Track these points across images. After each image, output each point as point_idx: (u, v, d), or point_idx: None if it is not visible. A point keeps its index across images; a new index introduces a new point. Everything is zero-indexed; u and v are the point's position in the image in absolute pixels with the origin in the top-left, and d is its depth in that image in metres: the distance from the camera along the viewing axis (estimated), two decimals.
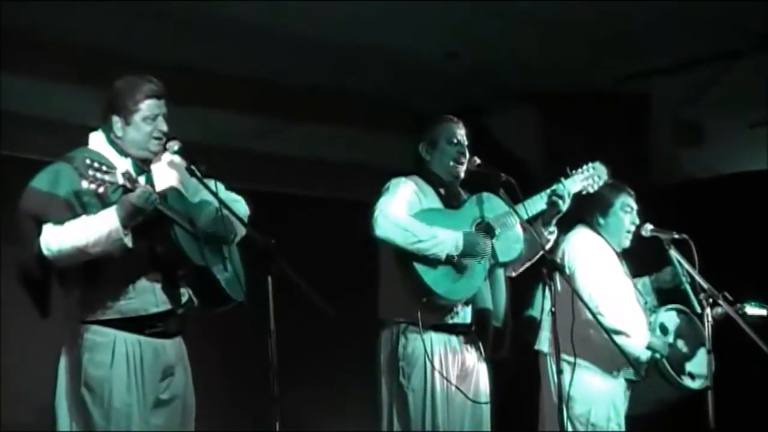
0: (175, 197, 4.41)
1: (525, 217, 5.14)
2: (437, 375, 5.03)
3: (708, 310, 5.49)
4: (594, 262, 5.62)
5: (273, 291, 4.15)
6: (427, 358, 5.01)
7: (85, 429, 4.30)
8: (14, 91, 6.58)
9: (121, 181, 4.08)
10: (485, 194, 5.22)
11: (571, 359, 5.19)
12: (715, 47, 7.42)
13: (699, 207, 7.75)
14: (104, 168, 4.03)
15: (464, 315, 5.15)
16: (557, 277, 5.01)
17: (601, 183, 5.44)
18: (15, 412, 6.42)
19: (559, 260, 5.49)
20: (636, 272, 5.87)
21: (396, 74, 7.72)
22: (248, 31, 6.89)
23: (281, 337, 4.16)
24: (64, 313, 4.36)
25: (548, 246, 5.24)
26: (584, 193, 5.39)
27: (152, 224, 4.26)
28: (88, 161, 4.01)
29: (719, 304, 5.54)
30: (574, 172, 5.37)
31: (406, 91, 8.06)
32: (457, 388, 5.09)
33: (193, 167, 4.43)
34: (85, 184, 4.00)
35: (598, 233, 5.74)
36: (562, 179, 5.31)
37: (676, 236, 5.70)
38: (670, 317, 5.79)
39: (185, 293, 4.48)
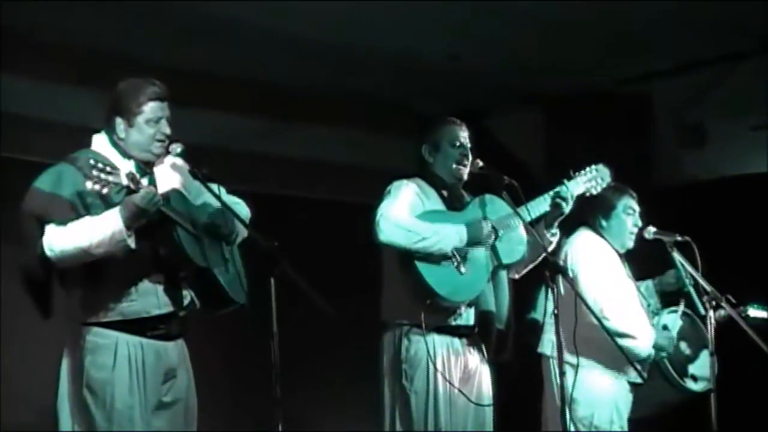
0: (178, 199, 4.41)
1: (528, 219, 5.14)
2: (440, 377, 5.03)
3: (711, 313, 5.51)
4: (597, 264, 5.62)
5: (275, 293, 4.14)
6: (429, 361, 5.01)
7: (87, 430, 4.29)
8: (14, 92, 6.55)
9: (125, 182, 4.08)
10: (488, 196, 5.23)
11: (574, 362, 5.19)
12: (718, 49, 7.42)
13: (701, 209, 7.74)
14: (108, 169, 4.03)
15: (467, 317, 5.15)
16: (560, 279, 5.01)
17: (604, 185, 5.45)
18: (16, 413, 6.41)
19: (561, 263, 5.49)
20: (639, 275, 5.87)
21: (397, 76, 7.71)
22: (248, 32, 6.88)
23: (283, 339, 4.16)
24: (65, 314, 4.35)
25: (551, 248, 5.24)
26: (587, 195, 5.40)
27: (155, 226, 4.25)
28: (92, 162, 4.01)
29: (722, 307, 5.56)
30: (577, 174, 5.37)
31: (408, 92, 8.06)
32: (460, 390, 5.09)
33: (195, 170, 4.43)
34: (89, 184, 3.99)
35: (601, 235, 5.74)
36: (565, 181, 5.31)
37: (679, 238, 5.71)
38: (672, 319, 5.78)
39: (187, 295, 4.47)
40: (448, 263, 5.01)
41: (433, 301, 4.97)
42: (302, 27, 6.87)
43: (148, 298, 4.35)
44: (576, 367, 5.22)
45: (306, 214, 8.01)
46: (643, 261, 5.90)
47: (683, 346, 5.77)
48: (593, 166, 5.43)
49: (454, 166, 5.22)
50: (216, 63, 7.27)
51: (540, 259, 5.16)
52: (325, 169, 8.42)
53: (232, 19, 6.66)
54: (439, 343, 5.06)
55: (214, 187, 4.48)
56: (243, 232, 4.60)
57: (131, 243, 4.16)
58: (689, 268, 5.64)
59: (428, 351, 5.00)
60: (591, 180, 5.39)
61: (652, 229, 5.77)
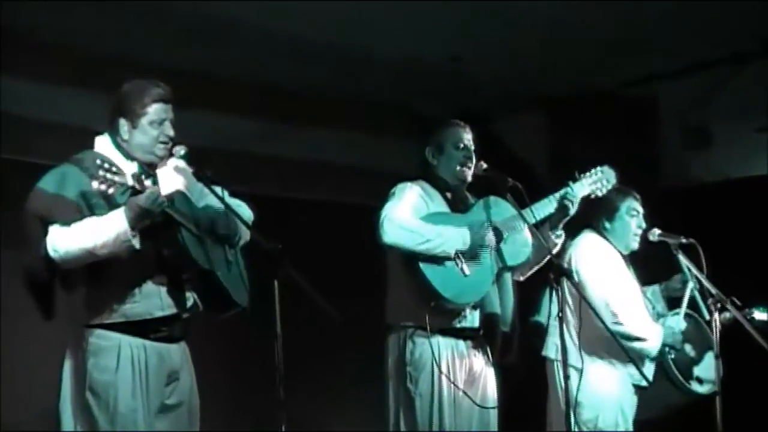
0: (182, 201, 4.40)
1: (532, 221, 5.14)
2: (444, 380, 5.02)
3: (716, 315, 5.51)
4: (603, 268, 5.62)
5: (278, 295, 4.12)
6: (434, 363, 5.00)
7: None
8: (14, 93, 6.54)
9: (130, 182, 4.07)
10: (492, 198, 5.22)
11: (579, 365, 5.19)
12: (723, 51, 7.41)
13: (706, 211, 7.76)
14: (114, 169, 4.02)
15: (472, 319, 5.14)
16: (564, 282, 4.99)
17: (609, 186, 5.45)
18: (18, 414, 6.41)
19: (566, 265, 5.48)
20: (644, 277, 5.87)
21: (398, 77, 7.70)
22: (248, 33, 6.87)
23: (285, 341, 4.14)
24: (68, 316, 4.33)
25: (555, 250, 5.24)
26: (593, 196, 5.39)
27: (159, 227, 4.24)
28: (98, 161, 4.00)
29: (727, 309, 5.56)
30: (582, 175, 5.37)
31: (408, 94, 8.05)
32: (465, 393, 5.08)
33: (199, 172, 4.43)
34: (95, 184, 3.98)
35: (605, 238, 5.73)
36: (571, 183, 5.32)
37: (684, 241, 5.71)
38: (676, 321, 5.76)
39: (190, 297, 4.46)
40: (452, 265, 5.00)
41: (437, 303, 4.97)
42: (302, 28, 6.86)
43: (152, 299, 4.33)
44: (581, 371, 5.21)
45: (306, 216, 8.02)
46: (647, 263, 5.89)
47: (688, 348, 5.77)
48: (598, 168, 5.43)
49: (457, 168, 5.21)
50: (216, 64, 7.25)
51: (544, 261, 5.16)
52: (326, 171, 8.42)
53: (232, 20, 6.65)
54: (444, 345, 5.06)
55: (218, 189, 4.46)
56: (246, 235, 4.59)
57: (136, 244, 4.14)
58: (694, 271, 5.64)
59: (433, 353, 5.00)
60: (596, 182, 5.39)
61: (656, 231, 5.77)
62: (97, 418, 4.26)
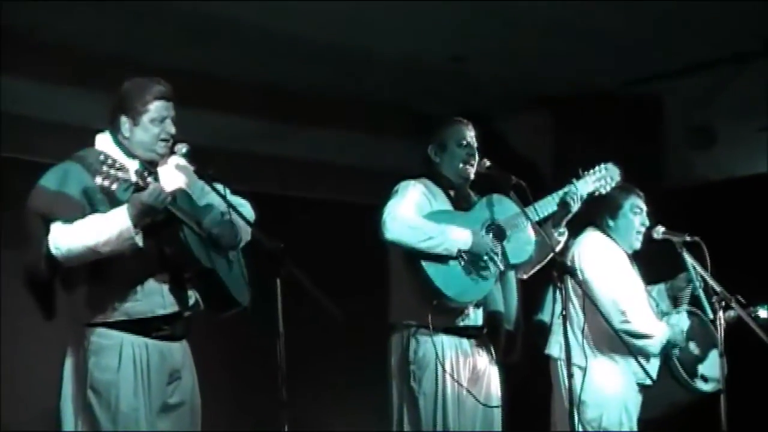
0: (184, 199, 4.38)
1: (536, 219, 5.13)
2: (448, 379, 5.00)
3: (720, 314, 5.49)
4: (607, 266, 5.60)
5: (281, 294, 4.11)
6: (438, 362, 4.99)
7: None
8: (14, 92, 6.54)
9: (134, 178, 4.06)
10: (495, 196, 5.21)
11: (583, 363, 5.17)
12: (726, 50, 7.42)
13: (711, 210, 7.74)
14: (118, 165, 4.02)
15: (475, 317, 5.12)
16: (568, 280, 4.98)
17: (613, 184, 5.43)
18: (18, 414, 6.41)
19: (569, 263, 5.46)
20: (648, 276, 5.85)
21: (400, 78, 7.70)
22: (248, 32, 6.88)
23: (287, 340, 4.13)
24: (68, 315, 4.31)
25: (558, 248, 5.22)
26: (596, 194, 5.37)
27: (161, 225, 4.23)
28: (102, 157, 3.99)
29: (732, 308, 5.55)
30: (586, 173, 5.35)
31: (410, 94, 8.04)
32: (468, 391, 5.06)
33: (201, 170, 4.42)
34: (98, 179, 3.98)
35: (609, 236, 5.72)
36: (574, 180, 5.30)
37: (688, 239, 5.70)
38: (680, 319, 5.74)
39: (192, 296, 4.44)
40: (454, 263, 4.98)
41: (440, 302, 4.95)
42: (302, 28, 6.86)
43: (153, 297, 4.32)
44: (584, 369, 5.19)
45: (307, 215, 8.03)
46: (651, 262, 5.87)
47: (692, 346, 5.76)
48: (602, 165, 5.41)
49: (461, 165, 5.19)
50: (216, 64, 7.25)
51: (548, 259, 5.14)
52: (326, 170, 8.42)
53: (232, 20, 6.65)
54: (448, 344, 5.04)
55: (220, 188, 4.44)
56: (247, 237, 4.57)
57: (139, 241, 4.13)
58: (699, 269, 5.63)
59: (436, 352, 4.99)
60: (600, 179, 5.37)
61: (660, 229, 5.76)
62: (99, 417, 4.24)
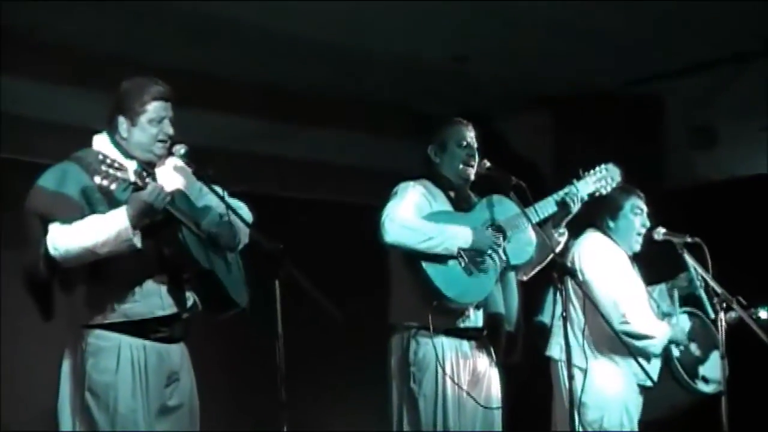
0: (182, 200, 4.37)
1: (536, 219, 5.12)
2: (448, 380, 4.99)
3: (721, 315, 5.48)
4: (608, 266, 5.60)
5: (279, 295, 4.10)
6: (438, 364, 4.97)
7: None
8: (14, 93, 6.52)
9: (133, 178, 4.05)
10: (496, 197, 5.19)
11: (583, 365, 5.16)
12: (727, 50, 7.41)
13: (712, 210, 7.73)
14: (117, 164, 4.00)
15: (476, 319, 5.11)
16: (568, 281, 4.97)
17: (614, 184, 5.42)
18: (18, 414, 6.40)
19: (569, 264, 5.45)
20: (649, 277, 5.84)
21: (400, 78, 7.69)
22: (248, 32, 6.86)
23: (286, 341, 4.12)
24: (66, 316, 4.30)
25: (558, 248, 5.21)
26: (597, 195, 5.36)
27: (160, 225, 4.22)
28: (101, 157, 3.98)
29: (733, 309, 5.53)
30: (586, 173, 5.34)
31: (410, 94, 8.03)
32: (468, 394, 5.05)
33: (200, 171, 4.41)
34: (97, 179, 3.97)
35: (609, 236, 5.71)
36: (575, 181, 5.29)
37: (689, 240, 5.69)
38: (682, 321, 5.73)
39: (191, 297, 4.42)
40: (455, 264, 4.97)
41: (440, 303, 4.94)
42: (302, 28, 6.85)
43: (152, 298, 4.30)
44: (585, 370, 5.18)
45: (306, 216, 8.01)
46: (651, 263, 5.86)
47: (693, 347, 5.76)
48: (603, 166, 5.40)
49: (461, 166, 5.18)
50: (216, 64, 7.24)
51: (548, 260, 5.13)
52: (326, 171, 8.41)
53: (232, 20, 6.64)
54: (448, 345, 5.02)
55: (218, 189, 4.43)
56: (245, 239, 4.56)
57: (137, 242, 4.11)
58: (700, 270, 5.61)
59: (436, 354, 4.97)
60: (600, 179, 5.36)
61: (661, 230, 5.75)
62: (97, 419, 4.22)
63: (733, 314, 5.58)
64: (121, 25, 6.58)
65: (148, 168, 4.36)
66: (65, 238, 4.12)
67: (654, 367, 5.54)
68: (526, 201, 5.07)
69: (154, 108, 4.35)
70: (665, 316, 5.74)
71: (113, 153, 4.29)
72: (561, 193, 5.22)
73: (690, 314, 5.78)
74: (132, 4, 6.23)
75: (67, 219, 4.14)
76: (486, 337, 5.14)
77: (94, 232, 4.08)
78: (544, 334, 5.59)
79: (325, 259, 7.16)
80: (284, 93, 7.78)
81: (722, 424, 5.41)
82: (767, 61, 7.42)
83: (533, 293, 5.48)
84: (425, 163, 5.24)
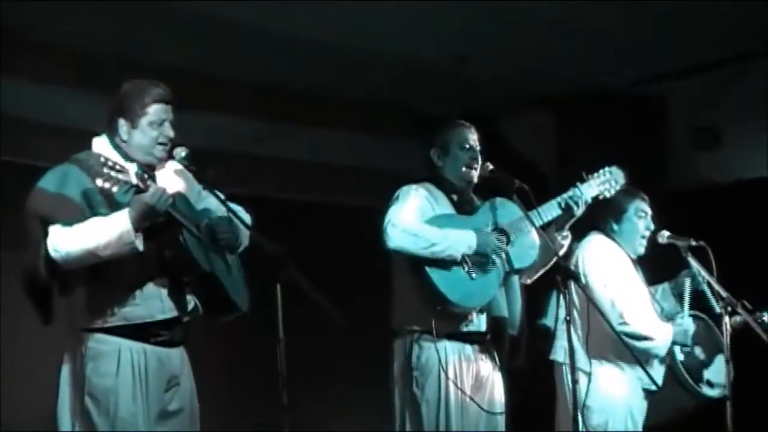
0: (182, 202, 4.36)
1: (539, 223, 5.09)
2: (451, 385, 4.98)
3: (726, 319, 5.47)
4: (610, 269, 5.58)
5: (281, 298, 4.08)
6: (441, 368, 4.96)
7: None
8: (14, 93, 6.50)
9: (134, 180, 4.03)
10: (499, 200, 5.17)
11: (588, 369, 5.14)
12: (731, 51, 7.40)
13: (716, 212, 7.71)
14: (119, 167, 3.99)
15: (479, 323, 5.09)
16: (572, 285, 4.95)
17: (617, 187, 5.40)
18: (18, 414, 6.38)
19: (573, 267, 5.43)
20: (653, 280, 5.83)
21: (400, 78, 7.68)
22: (248, 33, 6.84)
23: (288, 345, 4.11)
24: (66, 320, 4.28)
25: (562, 252, 5.19)
26: (600, 198, 5.34)
27: (161, 228, 4.20)
28: (102, 159, 3.97)
29: (738, 313, 5.52)
30: (590, 176, 5.32)
31: (411, 94, 8.02)
32: (471, 398, 5.03)
33: (201, 174, 4.40)
34: (99, 182, 3.96)
35: (613, 239, 5.70)
36: (579, 184, 5.27)
37: (693, 243, 5.67)
38: (688, 321, 5.71)
39: (191, 300, 4.41)
40: (458, 268, 4.95)
41: (443, 307, 4.91)
42: (302, 28, 6.82)
43: (152, 302, 4.28)
44: (589, 374, 5.16)
45: (307, 217, 8.01)
46: (653, 265, 5.84)
47: (698, 351, 5.75)
48: (606, 168, 5.38)
49: (463, 169, 5.16)
50: (216, 64, 7.23)
51: (551, 263, 5.11)
52: (326, 172, 8.39)
53: (232, 20, 6.61)
54: (451, 350, 5.01)
55: (219, 193, 4.43)
56: (246, 241, 4.54)
57: (139, 245, 4.10)
58: (704, 274, 5.59)
59: (439, 358, 4.95)
60: (604, 182, 5.34)
61: (665, 233, 5.73)
62: (97, 423, 4.20)
63: (738, 318, 5.57)
64: (121, 25, 6.56)
65: (148, 171, 4.33)
66: (66, 240, 4.10)
67: (658, 371, 5.52)
68: (529, 204, 5.04)
69: (154, 110, 4.34)
70: (669, 319, 5.72)
71: (113, 155, 4.27)
72: (565, 196, 5.20)
73: (695, 317, 5.75)
74: (132, 4, 6.21)
75: (68, 221, 4.12)
76: (489, 341, 5.13)
77: (96, 234, 4.07)
78: (548, 337, 5.57)
79: (326, 261, 7.14)
80: (284, 93, 7.76)
81: (727, 429, 5.38)
82: (766, 61, 7.42)
83: (537, 297, 5.46)
84: (427, 165, 5.22)
